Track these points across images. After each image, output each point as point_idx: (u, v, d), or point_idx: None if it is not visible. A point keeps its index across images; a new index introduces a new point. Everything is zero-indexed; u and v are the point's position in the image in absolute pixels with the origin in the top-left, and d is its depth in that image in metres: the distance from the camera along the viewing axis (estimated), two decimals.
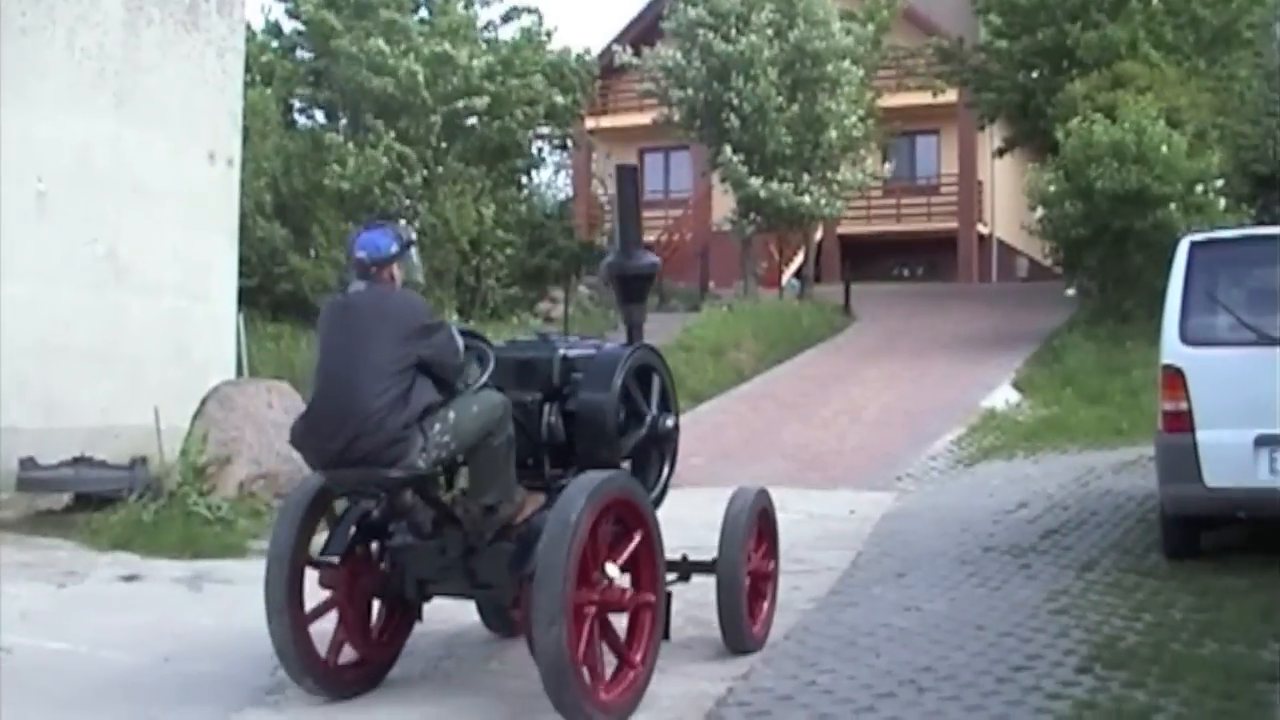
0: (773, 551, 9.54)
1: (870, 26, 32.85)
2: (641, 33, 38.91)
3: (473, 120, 31.33)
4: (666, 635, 8.06)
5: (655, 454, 8.73)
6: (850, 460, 18.92)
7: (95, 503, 13.74)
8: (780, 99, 29.73)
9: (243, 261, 19.31)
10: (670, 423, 8.76)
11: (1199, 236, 11.58)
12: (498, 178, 32.62)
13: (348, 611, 8.05)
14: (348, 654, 8.16)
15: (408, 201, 29.79)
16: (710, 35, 30.06)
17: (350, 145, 29.10)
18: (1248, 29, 30.90)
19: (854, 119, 31.44)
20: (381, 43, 29.04)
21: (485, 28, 33.18)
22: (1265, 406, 10.39)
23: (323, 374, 7.39)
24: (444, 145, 30.61)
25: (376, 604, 8.35)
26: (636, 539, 7.66)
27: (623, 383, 8.32)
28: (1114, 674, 7.83)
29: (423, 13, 31.72)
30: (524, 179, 36.09)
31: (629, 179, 9.06)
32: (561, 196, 42.40)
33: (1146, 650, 8.29)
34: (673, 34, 31.62)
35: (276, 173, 28.27)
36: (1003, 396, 22.29)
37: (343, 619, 8.06)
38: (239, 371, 17.93)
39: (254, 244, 25.90)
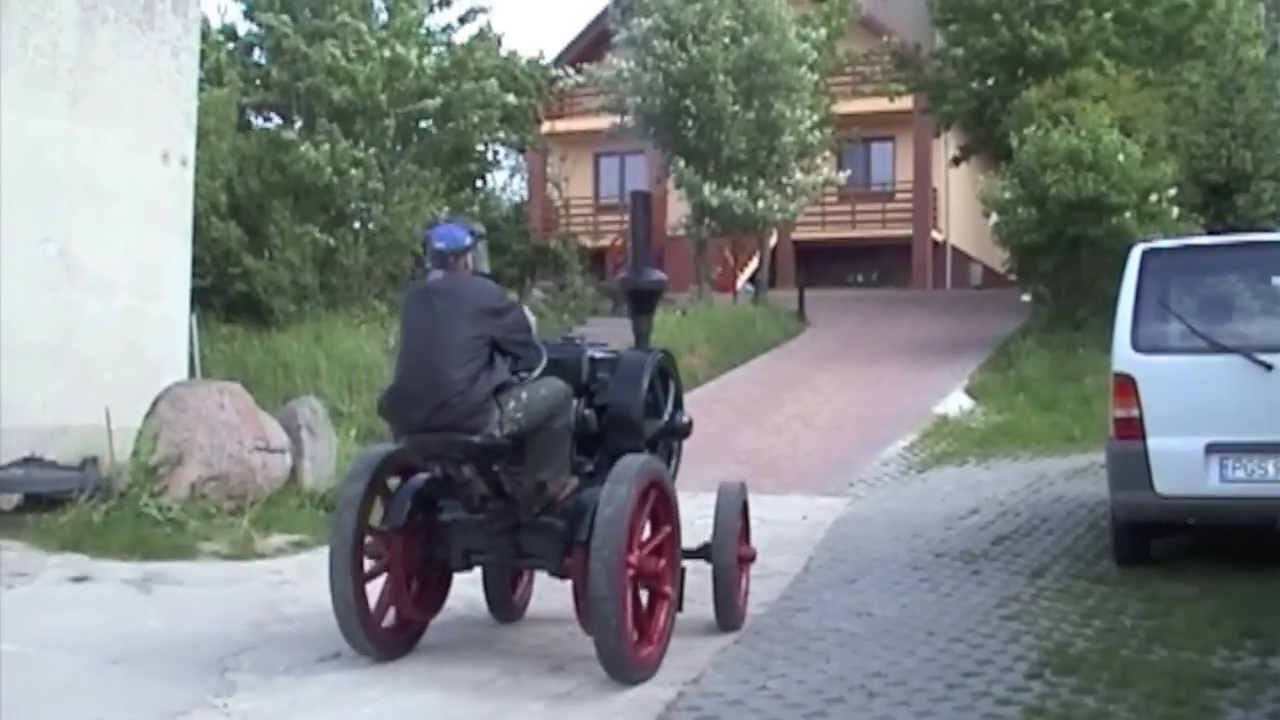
0: (748, 537, 10.20)
1: (825, 31, 32.90)
2: (591, 45, 38.89)
3: (426, 123, 31.23)
4: (680, 607, 8.91)
5: (670, 444, 9.88)
6: (803, 465, 18.95)
7: (45, 503, 13.60)
8: (736, 106, 29.74)
9: (197, 262, 19.18)
10: (684, 419, 9.95)
11: (1151, 244, 11.62)
12: (452, 181, 32.52)
13: (396, 578, 8.83)
14: (388, 619, 8.99)
15: (363, 205, 29.66)
16: (667, 44, 30.04)
17: (308, 148, 29.00)
18: (1200, 38, 31.06)
19: (809, 125, 31.47)
20: (337, 51, 28.93)
21: (444, 30, 33.09)
22: (1216, 414, 10.46)
23: (407, 351, 8.31)
24: (399, 148, 30.51)
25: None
26: (662, 508, 8.71)
27: (646, 383, 9.42)
28: (1064, 680, 7.85)
29: (382, 17, 31.54)
30: (479, 182, 35.97)
31: (641, 204, 10.12)
32: (517, 200, 42.37)
33: (1096, 656, 8.32)
34: (627, 44, 31.58)
35: (232, 173, 28.14)
36: (956, 403, 22.36)
37: (391, 584, 8.86)
38: (191, 372, 17.82)
39: (208, 244, 25.74)
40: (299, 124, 31.05)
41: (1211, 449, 10.38)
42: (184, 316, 17.14)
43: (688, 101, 29.77)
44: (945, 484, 16.85)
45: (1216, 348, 10.58)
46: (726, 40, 29.90)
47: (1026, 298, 28.42)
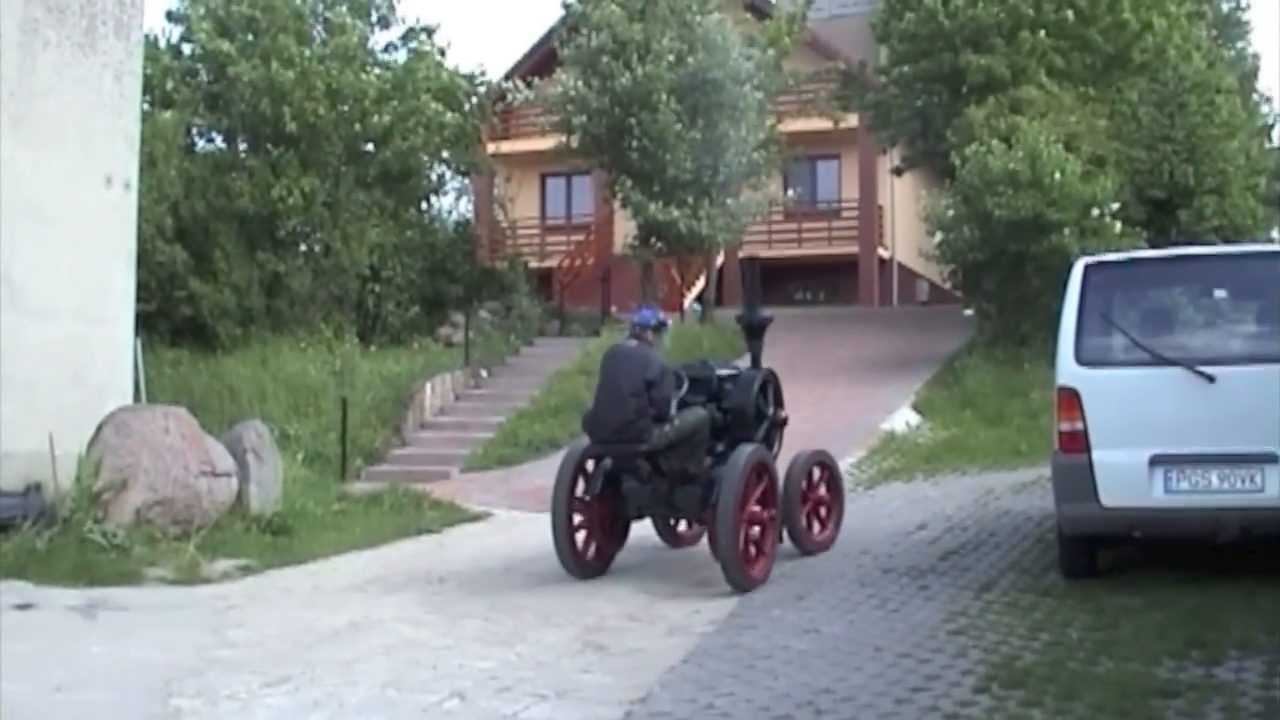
0: (834, 490, 14.54)
1: (771, 52, 32.88)
2: (539, 62, 38.80)
3: (370, 145, 31.12)
4: (780, 539, 13.14)
5: (773, 434, 13.90)
6: None
7: None
8: (680, 125, 29.70)
9: (142, 286, 19.11)
10: (782, 415, 14.07)
11: (1093, 259, 11.71)
12: (397, 202, 32.41)
13: (594, 526, 13.36)
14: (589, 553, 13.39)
15: (307, 228, 29.54)
16: (612, 63, 30.00)
17: (253, 173, 28.92)
18: (1141, 55, 31.23)
19: (754, 144, 31.46)
20: (285, 73, 28.82)
21: (385, 49, 32.94)
22: (1160, 426, 10.53)
23: (602, 389, 13.07)
24: (344, 169, 30.41)
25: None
26: (766, 480, 12.80)
27: (756, 390, 13.60)
28: (1011, 693, 7.88)
29: (320, 32, 31.37)
30: (424, 204, 35.84)
31: (751, 268, 15.48)
32: (463, 221, 42.30)
33: (1043, 669, 8.35)
34: (573, 62, 31.52)
35: (178, 196, 28.01)
36: (903, 419, 22.41)
37: (591, 530, 13.35)
38: (136, 397, 17.73)
39: (154, 268, 25.62)
40: (243, 146, 30.91)
41: (1156, 461, 10.44)
42: (128, 341, 17.04)
43: (632, 121, 29.72)
44: (893, 500, 16.88)
45: (1159, 360, 10.64)
46: (671, 59, 29.86)
47: (970, 313, 28.49)
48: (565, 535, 13.02)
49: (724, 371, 13.85)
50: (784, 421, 14.12)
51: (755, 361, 14.25)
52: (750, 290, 15.04)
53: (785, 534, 13.43)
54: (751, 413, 13.45)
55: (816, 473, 14.25)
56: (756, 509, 12.56)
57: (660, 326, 13.61)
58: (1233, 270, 11.97)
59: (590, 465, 13.43)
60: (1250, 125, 34.87)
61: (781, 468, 13.55)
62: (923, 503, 16.11)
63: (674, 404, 12.86)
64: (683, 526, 14.45)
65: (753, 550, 12.51)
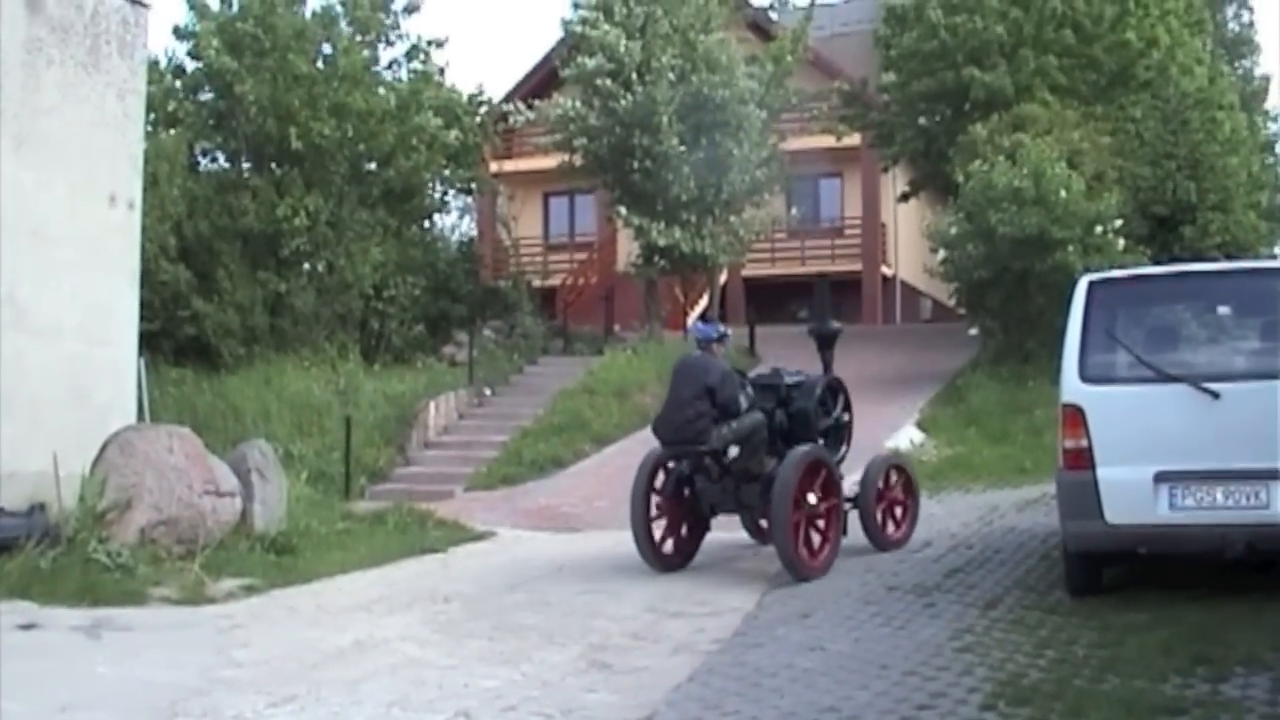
0: (909, 488, 15.53)
1: (772, 68, 32.86)
2: (540, 82, 38.82)
3: (373, 165, 31.12)
4: (845, 532, 14.25)
5: (839, 434, 15.29)
6: None
7: None
8: (683, 146, 29.68)
9: (145, 305, 19.12)
10: (846, 417, 15.42)
11: (1097, 276, 11.70)
12: (401, 221, 32.43)
13: (672, 523, 14.64)
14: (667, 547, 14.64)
15: (310, 247, 29.54)
16: (611, 84, 30.00)
17: (256, 192, 28.95)
18: (1144, 71, 31.27)
19: (757, 163, 31.46)
20: (291, 95, 28.84)
21: (389, 66, 32.94)
22: (1164, 443, 10.51)
23: (672, 395, 14.29)
24: (347, 188, 30.41)
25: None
26: (823, 476, 13.96)
27: (819, 396, 14.91)
28: (1017, 711, 7.86)
29: (325, 48, 31.33)
30: (427, 222, 35.86)
31: (821, 285, 18.22)
32: (466, 240, 42.26)
33: (1049, 686, 8.33)
34: (573, 83, 31.52)
35: (181, 216, 28.03)
36: (907, 436, 22.39)
37: (669, 527, 14.61)
38: (140, 417, 17.75)
39: (157, 287, 25.64)
40: (247, 165, 30.92)
41: (1160, 478, 10.41)
42: (132, 361, 17.06)
43: (634, 141, 29.72)
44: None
45: (1164, 377, 10.62)
46: (672, 78, 29.86)
47: (974, 331, 28.47)
48: (643, 532, 14.33)
49: (791, 379, 15.10)
50: (848, 425, 15.44)
51: (826, 369, 15.58)
52: (820, 305, 17.27)
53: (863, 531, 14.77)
54: (814, 416, 14.73)
55: (892, 475, 15.32)
56: (815, 504, 13.71)
57: (721, 338, 14.94)
58: (1236, 287, 11.95)
59: (668, 467, 14.70)
60: (1253, 141, 34.91)
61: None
62: (927, 520, 16.05)
63: (744, 401, 14.21)
64: (765, 523, 14.87)
65: (814, 542, 13.75)
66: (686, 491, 14.66)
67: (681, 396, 14.06)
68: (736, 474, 14.26)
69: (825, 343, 15.80)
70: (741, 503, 14.58)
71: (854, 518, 14.58)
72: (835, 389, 15.38)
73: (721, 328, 15.28)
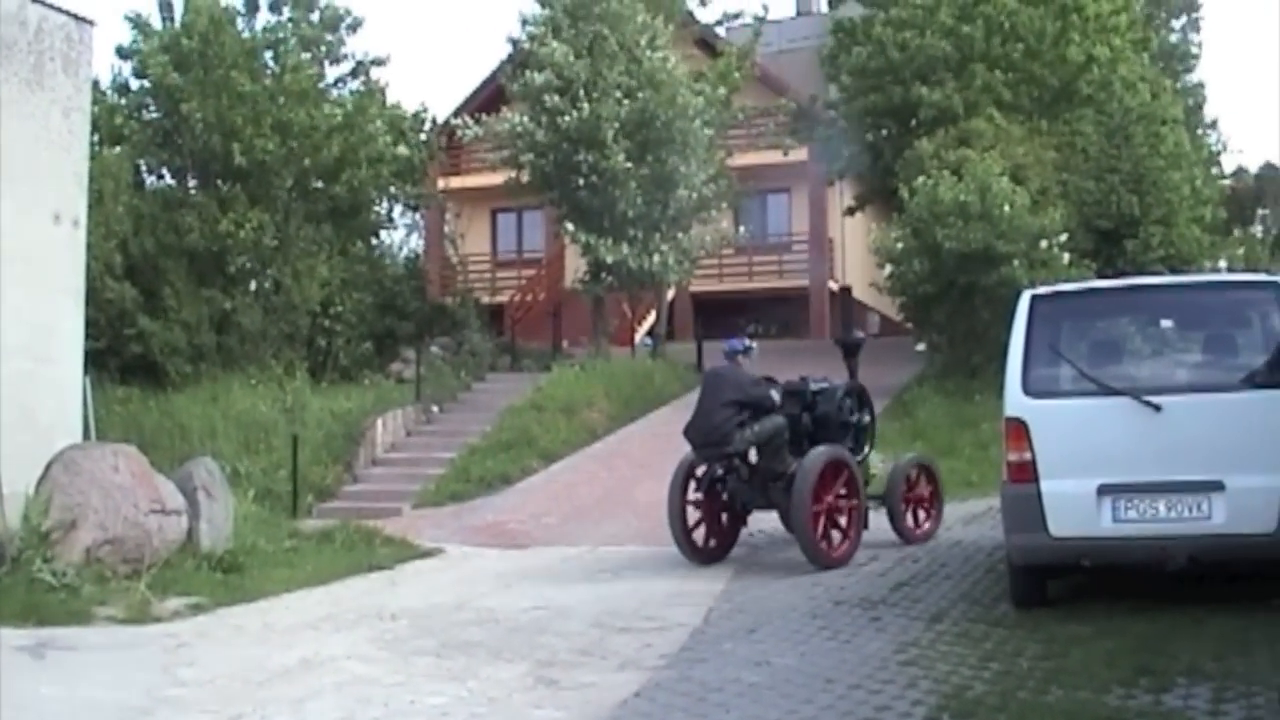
0: (934, 487, 16.79)
1: (721, 89, 32.92)
2: (489, 98, 38.75)
3: (320, 182, 31.01)
4: (865, 525, 15.42)
5: (861, 434, 16.39)
6: None
7: None
8: (629, 162, 29.68)
9: (91, 324, 19.04)
10: (866, 419, 16.53)
11: (1040, 290, 11.78)
12: (347, 237, 32.34)
13: (709, 520, 15.93)
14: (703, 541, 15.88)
15: (257, 265, 29.45)
16: (559, 101, 29.99)
17: (202, 209, 28.84)
18: (1088, 86, 31.47)
19: (704, 179, 31.49)
20: (236, 111, 28.73)
21: (335, 84, 32.84)
22: (1107, 455, 10.59)
23: (700, 403, 15.63)
24: (294, 205, 30.32)
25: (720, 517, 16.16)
26: (845, 475, 15.07)
27: (840, 400, 16.06)
28: None
29: (272, 66, 31.24)
30: (374, 239, 35.77)
31: (845, 297, 19.64)
32: (414, 257, 42.21)
33: (994, 699, 8.38)
34: (520, 99, 31.49)
35: (127, 234, 27.91)
36: None
37: (706, 524, 15.88)
38: (86, 435, 17.67)
39: (102, 306, 25.54)
40: (193, 182, 30.79)
41: (1104, 490, 10.49)
42: (77, 379, 16.99)
43: (581, 157, 29.72)
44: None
45: (1106, 390, 10.70)
46: (619, 95, 29.88)
47: (921, 347, 28.55)
48: (681, 529, 15.59)
49: (816, 385, 16.22)
50: (868, 426, 16.62)
51: (852, 375, 16.80)
52: (845, 315, 19.31)
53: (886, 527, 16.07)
54: (835, 419, 15.92)
55: (915, 474, 16.53)
56: (834, 499, 14.88)
57: (746, 350, 16.07)
58: (1178, 300, 12.04)
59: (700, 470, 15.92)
60: (1196, 155, 35.16)
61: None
62: (874, 534, 16.14)
63: (776, 396, 15.60)
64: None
65: (836, 535, 14.93)
66: (720, 491, 15.87)
67: (710, 404, 15.39)
68: (763, 474, 15.50)
69: (849, 351, 17.15)
70: (770, 500, 15.63)
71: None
72: (857, 394, 16.53)
73: (747, 341, 16.51)
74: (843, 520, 15.05)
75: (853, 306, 18.51)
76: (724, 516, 16.15)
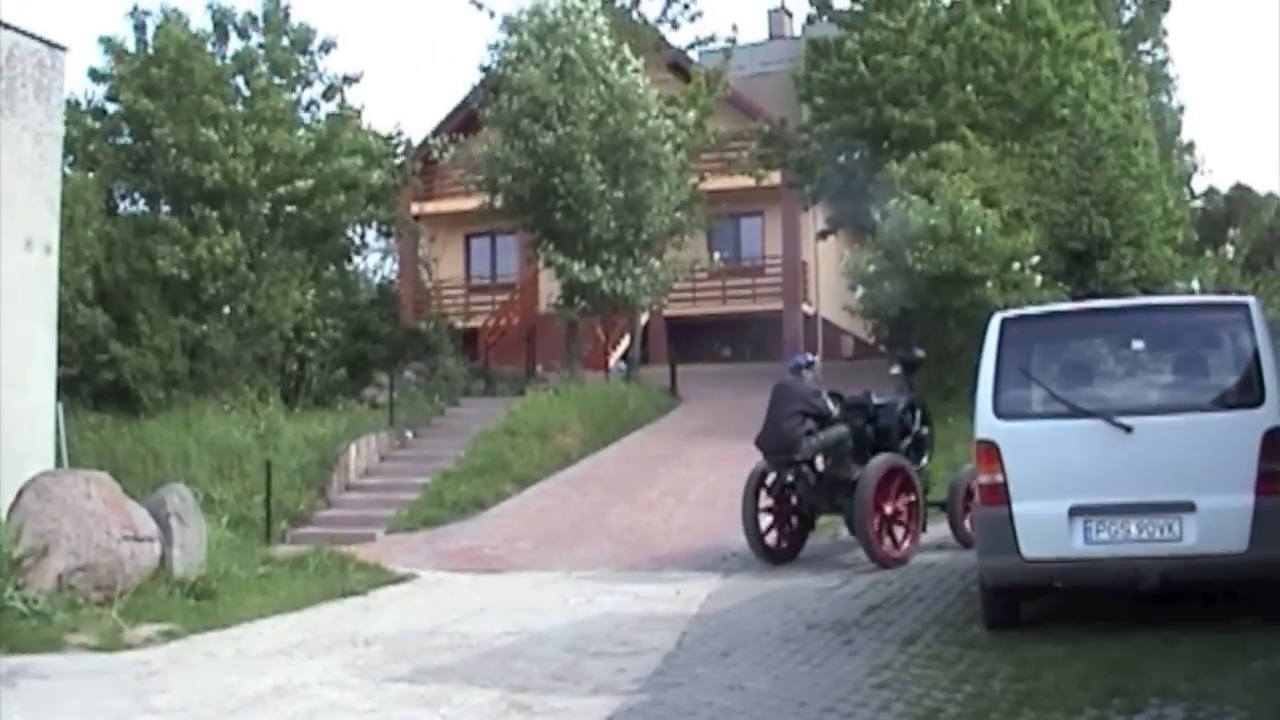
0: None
1: (692, 112, 32.98)
2: (462, 122, 38.73)
3: (293, 207, 30.92)
4: (924, 529, 16.63)
5: (920, 444, 17.64)
6: (677, 541, 19.01)
7: None
8: (603, 185, 29.70)
9: (63, 350, 18.99)
10: (925, 431, 17.74)
11: (1010, 313, 11.83)
12: (319, 262, 32.25)
13: (779, 522, 17.31)
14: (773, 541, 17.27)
15: (230, 290, 29.36)
16: (532, 124, 30.00)
17: (175, 234, 28.74)
18: (1060, 108, 31.56)
19: (677, 203, 31.52)
20: (209, 132, 28.68)
21: (308, 107, 32.75)
22: (1078, 477, 10.63)
23: (770, 413, 17.00)
24: (268, 231, 30.26)
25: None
26: (900, 480, 16.40)
27: (900, 413, 17.40)
28: None
29: (244, 89, 31.18)
30: (347, 263, 35.67)
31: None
32: (388, 282, 42.18)
33: None
34: (494, 123, 31.48)
35: (99, 259, 27.83)
36: None
37: (776, 526, 17.25)
38: (58, 462, 17.62)
39: (75, 332, 25.44)
40: (166, 208, 30.67)
41: (1075, 511, 10.52)
42: (50, 406, 16.95)
43: (556, 181, 29.72)
44: (818, 555, 16.99)
45: (1077, 412, 10.74)
46: (592, 119, 29.91)
47: (895, 370, 28.59)
48: (752, 529, 16.94)
49: (879, 399, 17.63)
50: (925, 437, 17.79)
51: (911, 390, 18.08)
52: (903, 335, 21.92)
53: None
54: (896, 430, 17.26)
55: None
56: (893, 503, 16.17)
57: (809, 365, 17.94)
58: (1148, 322, 12.11)
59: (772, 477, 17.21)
60: (1167, 176, 35.28)
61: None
62: (847, 557, 16.18)
63: (834, 407, 17.06)
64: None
65: (896, 537, 16.17)
66: (789, 496, 17.24)
67: (778, 414, 16.87)
68: (829, 480, 16.98)
69: (910, 368, 18.42)
70: (835, 504, 16.92)
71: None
72: (917, 407, 17.85)
73: (810, 356, 18.63)
74: (902, 523, 16.24)
75: (911, 329, 20.35)
76: (793, 520, 17.42)
